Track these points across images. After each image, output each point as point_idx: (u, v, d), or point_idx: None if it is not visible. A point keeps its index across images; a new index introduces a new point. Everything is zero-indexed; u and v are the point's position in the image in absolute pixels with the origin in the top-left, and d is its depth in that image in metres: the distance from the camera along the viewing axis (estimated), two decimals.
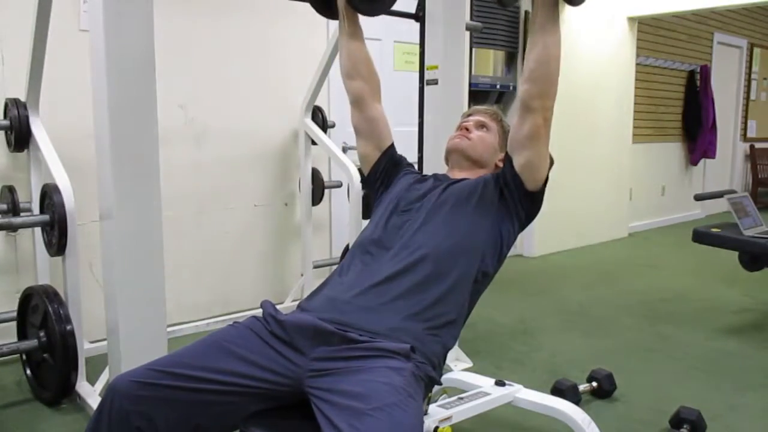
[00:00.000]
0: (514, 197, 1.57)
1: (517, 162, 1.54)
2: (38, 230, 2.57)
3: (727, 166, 7.78)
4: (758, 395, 2.53)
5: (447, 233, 1.51)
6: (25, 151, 2.62)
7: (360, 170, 2.07)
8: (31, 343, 2.34)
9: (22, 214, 2.61)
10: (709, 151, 6.89)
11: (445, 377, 2.02)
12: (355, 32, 1.80)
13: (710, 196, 3.80)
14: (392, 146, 1.82)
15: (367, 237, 1.59)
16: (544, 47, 1.45)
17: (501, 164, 1.76)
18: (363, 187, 1.81)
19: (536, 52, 1.46)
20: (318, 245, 3.75)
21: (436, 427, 1.65)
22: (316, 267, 3.59)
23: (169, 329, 2.33)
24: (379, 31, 3.85)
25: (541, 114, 1.49)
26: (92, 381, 2.37)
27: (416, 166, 2.66)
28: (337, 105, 3.74)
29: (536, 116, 1.48)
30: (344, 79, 1.83)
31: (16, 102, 2.55)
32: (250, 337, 1.36)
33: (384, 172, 1.78)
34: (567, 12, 4.98)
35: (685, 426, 2.13)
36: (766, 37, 8.00)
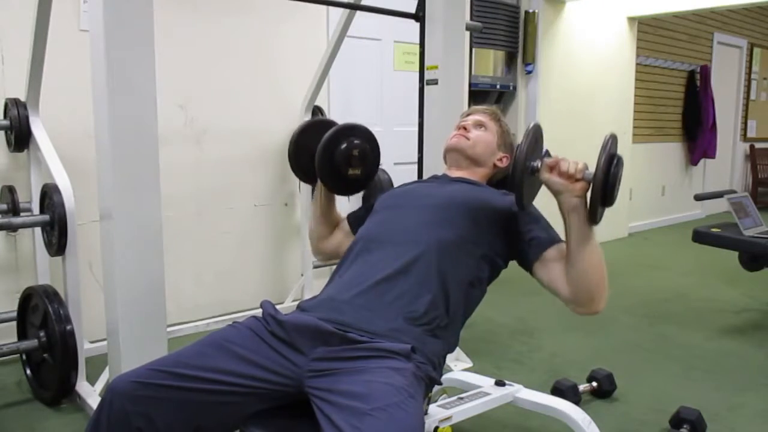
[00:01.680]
0: (519, 252, 1.56)
1: (538, 269, 1.53)
2: (38, 230, 2.57)
3: (727, 166, 7.78)
4: (758, 395, 2.53)
5: (446, 232, 1.51)
6: (25, 151, 2.63)
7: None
8: (31, 343, 2.34)
9: (22, 214, 2.61)
10: (709, 151, 6.89)
11: (445, 377, 2.02)
12: (329, 210, 1.81)
13: (710, 196, 3.80)
14: (348, 217, 1.83)
15: (366, 234, 1.59)
16: (583, 264, 1.41)
17: (500, 163, 1.77)
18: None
19: (576, 269, 1.42)
20: None
21: (436, 427, 1.65)
22: (316, 267, 3.59)
23: (169, 329, 2.33)
24: (379, 31, 3.86)
25: (586, 312, 1.46)
26: (92, 381, 2.37)
27: (416, 166, 2.68)
28: (337, 105, 3.75)
29: (576, 309, 1.48)
30: (314, 255, 1.90)
31: (16, 102, 2.55)
32: (250, 337, 1.36)
33: (364, 218, 1.76)
34: (567, 12, 4.99)
35: (685, 426, 2.13)
36: (766, 37, 8.00)
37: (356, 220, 1.79)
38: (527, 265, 1.55)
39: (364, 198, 2.98)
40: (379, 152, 1.79)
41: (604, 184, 1.35)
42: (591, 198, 1.38)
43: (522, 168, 1.40)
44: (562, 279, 1.46)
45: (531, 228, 1.54)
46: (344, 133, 1.72)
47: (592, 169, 1.38)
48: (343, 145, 1.70)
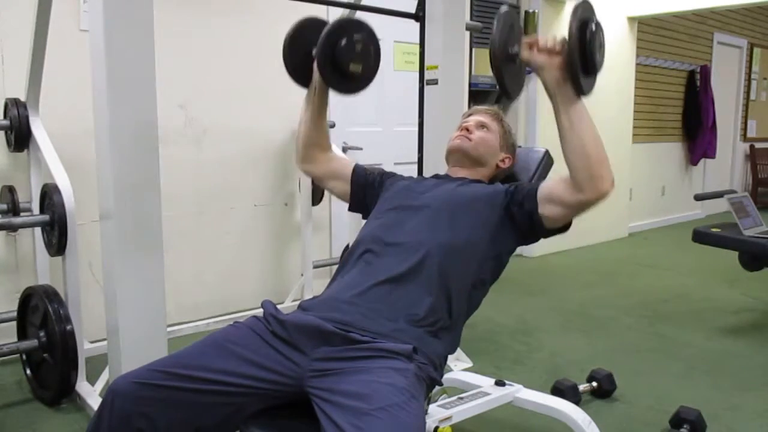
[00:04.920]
0: (523, 221, 1.53)
1: (543, 208, 1.49)
2: (38, 230, 2.57)
3: (727, 166, 7.78)
4: (758, 395, 2.53)
5: (449, 235, 1.51)
6: (25, 151, 2.62)
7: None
8: (31, 343, 2.34)
9: (22, 214, 2.61)
10: (709, 151, 6.89)
11: (445, 377, 2.02)
12: (322, 113, 1.79)
13: (710, 196, 3.80)
14: (356, 168, 1.82)
15: (368, 235, 1.59)
16: (578, 138, 1.39)
17: (502, 164, 1.77)
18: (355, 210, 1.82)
19: (571, 145, 1.40)
20: (318, 245, 3.75)
21: (436, 427, 1.65)
22: (316, 267, 3.59)
23: (169, 329, 2.33)
24: (379, 31, 3.83)
25: (594, 198, 1.41)
26: (92, 381, 2.37)
27: (416, 166, 2.68)
28: (337, 105, 3.74)
29: (588, 200, 1.42)
30: (299, 165, 1.85)
31: (16, 102, 2.54)
32: (251, 337, 1.36)
33: (365, 191, 1.78)
34: (567, 12, 4.99)
35: (685, 426, 2.13)
36: (766, 37, 8.00)
37: (362, 177, 1.79)
38: (536, 220, 1.51)
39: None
40: (380, 56, 1.73)
41: (582, 49, 1.34)
42: (571, 65, 1.36)
43: (500, 56, 1.38)
44: (564, 183, 1.44)
45: (521, 194, 1.54)
46: (350, 25, 1.67)
47: None
48: (348, 38, 1.64)
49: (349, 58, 1.63)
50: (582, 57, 1.34)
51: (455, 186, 1.66)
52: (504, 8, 1.44)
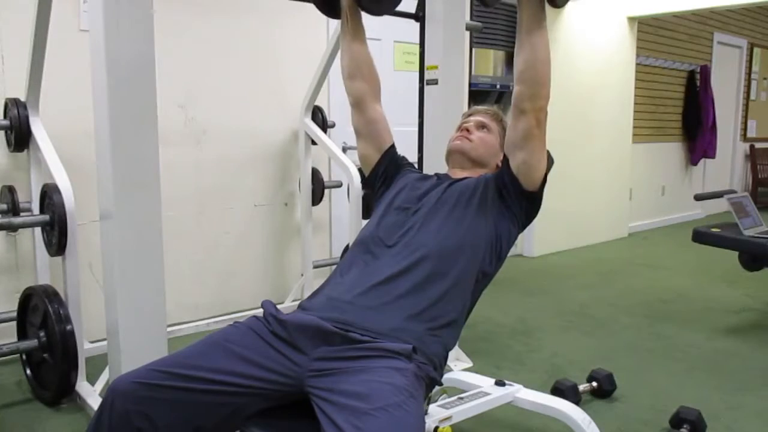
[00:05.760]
0: (513, 197, 1.58)
1: (513, 163, 1.56)
2: (38, 230, 2.57)
3: (727, 166, 7.78)
4: (758, 395, 2.53)
5: (448, 232, 1.51)
6: (25, 151, 2.62)
7: (360, 170, 2.06)
8: (31, 343, 2.34)
9: (22, 214, 2.61)
10: (709, 151, 6.89)
11: (445, 377, 2.02)
12: (357, 32, 1.79)
13: (710, 196, 3.80)
14: (393, 147, 1.82)
15: (368, 235, 1.59)
16: (531, 50, 1.46)
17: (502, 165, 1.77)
18: (363, 187, 1.80)
19: (524, 55, 1.47)
20: (318, 245, 3.75)
21: (436, 427, 1.65)
22: (316, 267, 3.59)
23: (169, 329, 2.33)
24: (379, 31, 3.85)
25: (534, 115, 1.49)
26: (92, 381, 2.37)
27: (416, 166, 2.68)
28: (337, 105, 3.74)
29: (528, 117, 1.49)
30: (345, 80, 1.82)
31: (16, 102, 2.55)
32: (252, 336, 1.36)
33: (384, 173, 1.79)
34: (567, 12, 4.98)
35: (685, 426, 2.13)
36: (766, 37, 8.00)
37: (393, 159, 1.81)
38: (515, 180, 1.57)
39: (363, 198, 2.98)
40: None
41: None
42: None
43: None
44: (510, 126, 1.55)
45: (503, 169, 1.60)
46: None
47: None
48: None
49: None
50: None
51: (454, 186, 1.66)
52: None
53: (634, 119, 5.93)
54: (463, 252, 1.50)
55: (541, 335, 3.21)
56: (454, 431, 1.71)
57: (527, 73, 1.47)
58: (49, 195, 2.31)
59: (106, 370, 2.19)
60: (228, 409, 1.29)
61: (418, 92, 2.64)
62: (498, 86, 4.78)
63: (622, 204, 5.92)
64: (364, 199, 3.02)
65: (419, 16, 2.59)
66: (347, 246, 3.14)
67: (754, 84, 7.96)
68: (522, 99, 1.49)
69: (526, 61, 1.47)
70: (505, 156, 1.59)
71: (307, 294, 3.48)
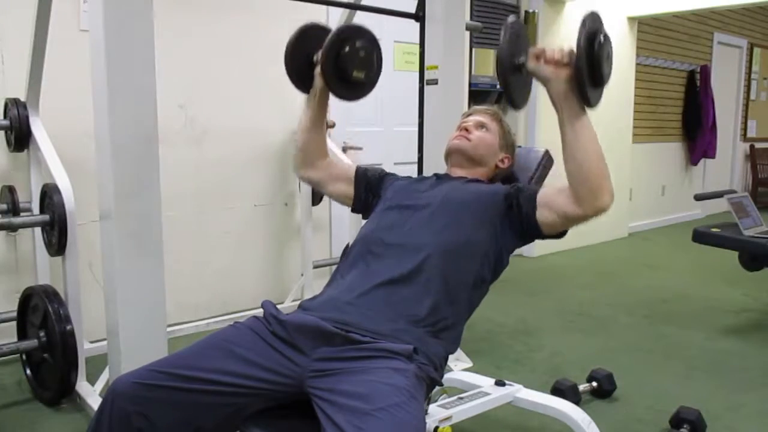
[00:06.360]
0: (521, 223, 1.53)
1: (541, 215, 1.50)
2: (38, 230, 2.57)
3: (727, 166, 7.78)
4: (758, 395, 2.53)
5: (450, 235, 1.51)
6: (25, 151, 2.62)
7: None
8: (31, 343, 2.34)
9: (22, 214, 2.61)
10: (709, 151, 6.89)
11: (445, 377, 2.02)
12: (321, 116, 1.79)
13: (710, 196, 3.80)
14: (359, 168, 1.82)
15: (369, 234, 1.59)
16: (579, 151, 1.40)
17: (501, 164, 1.77)
18: (354, 212, 1.80)
19: (572, 157, 1.41)
20: (318, 245, 3.75)
21: (436, 427, 1.65)
22: (316, 267, 3.59)
23: (169, 329, 2.33)
24: (379, 31, 3.83)
25: (592, 214, 1.42)
26: (92, 381, 2.37)
27: (416, 166, 2.68)
28: (337, 105, 3.74)
29: (585, 213, 1.42)
30: (295, 171, 1.85)
31: (16, 102, 2.54)
32: (252, 337, 1.36)
33: (367, 190, 1.78)
34: (567, 12, 4.99)
35: (685, 426, 2.13)
36: (766, 37, 8.00)
37: (365, 178, 1.79)
38: (533, 223, 1.51)
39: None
40: (383, 63, 1.74)
41: (589, 61, 1.33)
42: (578, 78, 1.35)
43: (507, 66, 1.38)
44: (563, 194, 1.44)
45: (521, 196, 1.54)
46: (354, 32, 1.67)
47: None
48: (351, 45, 1.64)
49: (352, 65, 1.64)
50: (590, 69, 1.33)
51: (455, 185, 1.66)
52: (512, 18, 1.45)
53: (634, 119, 5.93)
54: (464, 255, 1.50)
55: (541, 335, 3.21)
56: (454, 431, 1.71)
57: (581, 176, 1.39)
58: (49, 195, 2.31)
59: (106, 370, 2.19)
60: (228, 409, 1.29)
61: (418, 92, 2.64)
62: (498, 86, 4.77)
63: (622, 204, 5.91)
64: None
65: (419, 16, 2.59)
66: (347, 246, 3.14)
67: (754, 84, 7.96)
68: (581, 195, 1.40)
69: (575, 164, 1.40)
70: (531, 195, 1.52)
71: (307, 294, 3.50)
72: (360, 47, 1.65)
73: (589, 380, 2.48)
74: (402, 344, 1.32)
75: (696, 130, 6.79)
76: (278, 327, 1.36)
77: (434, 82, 2.56)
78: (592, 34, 1.33)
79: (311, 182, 1.88)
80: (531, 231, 1.54)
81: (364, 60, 1.66)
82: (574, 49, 1.35)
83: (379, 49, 1.71)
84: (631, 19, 5.65)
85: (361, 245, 1.57)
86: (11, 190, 2.64)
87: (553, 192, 1.49)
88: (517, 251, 5.40)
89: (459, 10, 2.59)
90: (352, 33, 1.66)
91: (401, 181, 1.75)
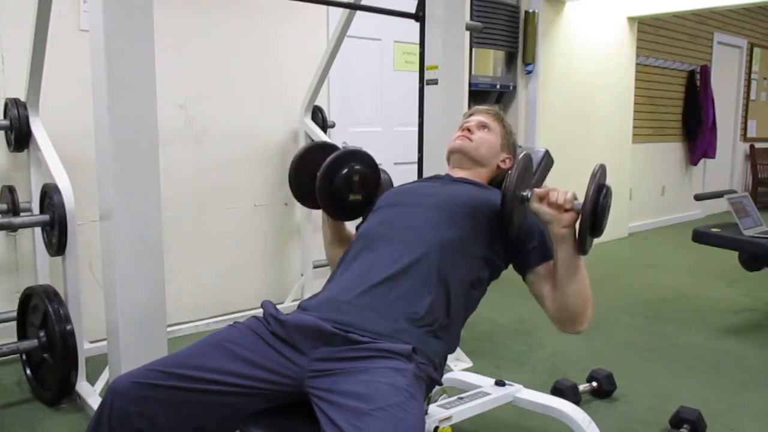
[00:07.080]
0: (517, 260, 1.61)
1: (530, 279, 1.58)
2: (38, 230, 2.57)
3: (727, 166, 7.78)
4: (758, 395, 2.53)
5: (448, 233, 1.51)
6: (25, 151, 2.62)
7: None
8: (31, 343, 2.34)
9: (22, 214, 2.61)
10: (709, 151, 6.89)
11: (445, 377, 2.02)
12: (341, 234, 1.81)
13: (710, 196, 3.80)
14: (357, 228, 1.80)
15: (367, 232, 1.59)
16: (568, 297, 1.50)
17: (503, 165, 1.77)
18: None
19: (559, 300, 1.51)
20: (318, 245, 3.72)
21: (436, 427, 1.65)
22: (316, 267, 3.59)
23: (169, 329, 2.33)
24: (379, 31, 3.85)
25: (569, 330, 1.57)
26: (92, 381, 2.37)
27: (416, 166, 2.68)
28: (337, 105, 3.75)
29: (563, 326, 1.57)
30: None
31: (16, 102, 2.55)
32: (251, 337, 1.36)
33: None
34: (568, 12, 4.99)
35: (685, 426, 2.13)
36: (766, 37, 8.00)
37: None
38: (521, 271, 1.61)
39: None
40: (380, 177, 1.78)
41: (593, 214, 1.38)
42: (580, 228, 1.41)
43: (512, 198, 1.43)
44: (550, 297, 1.54)
45: (531, 237, 1.57)
46: (345, 158, 1.70)
47: (581, 198, 1.41)
48: (344, 171, 1.68)
49: (348, 190, 1.69)
50: (592, 221, 1.39)
51: (455, 185, 1.66)
52: (525, 154, 1.51)
53: (634, 119, 5.93)
54: (461, 253, 1.50)
55: (541, 335, 3.21)
56: (454, 431, 1.71)
57: (563, 309, 1.53)
58: (49, 195, 2.31)
59: (106, 370, 2.19)
60: (228, 409, 1.29)
61: (418, 92, 2.64)
62: (498, 86, 4.78)
63: (622, 204, 5.91)
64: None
65: (419, 16, 2.59)
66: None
67: (754, 84, 7.96)
68: (560, 320, 1.56)
69: (561, 299, 1.51)
70: (527, 257, 1.58)
71: (307, 294, 3.50)
72: (354, 171, 1.69)
73: (589, 380, 2.48)
74: (401, 344, 1.32)
75: (696, 130, 6.79)
76: (278, 327, 1.36)
77: (434, 82, 2.56)
78: (601, 187, 1.39)
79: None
80: (516, 269, 1.62)
81: (359, 183, 1.70)
82: (575, 195, 1.42)
83: (375, 168, 1.75)
84: (630, 19, 5.65)
85: (359, 243, 1.57)
86: (11, 190, 2.64)
87: (544, 288, 1.56)
88: None
89: (459, 10, 2.59)
90: (344, 158, 1.69)
91: (399, 187, 1.77)
